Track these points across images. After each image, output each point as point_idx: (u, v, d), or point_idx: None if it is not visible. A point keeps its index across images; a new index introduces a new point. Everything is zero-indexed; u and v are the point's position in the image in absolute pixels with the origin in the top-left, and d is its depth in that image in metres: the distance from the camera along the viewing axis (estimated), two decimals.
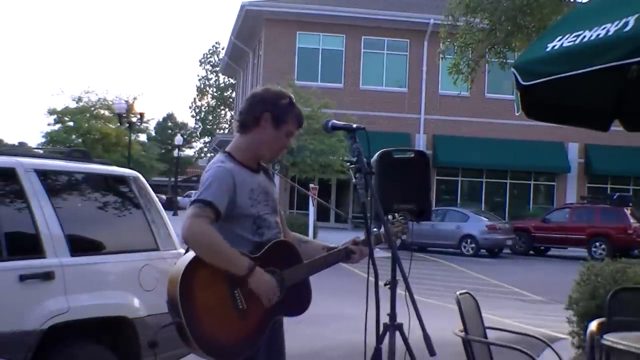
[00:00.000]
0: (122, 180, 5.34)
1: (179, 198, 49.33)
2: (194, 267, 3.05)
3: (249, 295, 3.09)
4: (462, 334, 4.41)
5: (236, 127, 3.39)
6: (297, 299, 3.27)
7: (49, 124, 39.10)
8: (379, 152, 4.31)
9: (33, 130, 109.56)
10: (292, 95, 3.39)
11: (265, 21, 31.47)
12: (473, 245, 23.38)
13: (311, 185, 23.42)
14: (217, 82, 67.44)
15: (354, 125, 3.46)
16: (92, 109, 39.58)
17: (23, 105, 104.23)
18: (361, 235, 3.53)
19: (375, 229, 3.48)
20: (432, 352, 3.09)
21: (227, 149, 3.37)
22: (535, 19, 12.79)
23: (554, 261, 22.66)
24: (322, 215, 29.81)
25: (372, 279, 3.42)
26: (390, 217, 3.66)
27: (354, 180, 3.40)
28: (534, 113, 4.43)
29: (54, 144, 35.96)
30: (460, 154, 30.91)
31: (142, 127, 42.85)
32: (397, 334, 3.75)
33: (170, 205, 42.64)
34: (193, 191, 44.74)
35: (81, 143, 36.09)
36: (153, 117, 70.82)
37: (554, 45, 3.66)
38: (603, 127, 4.92)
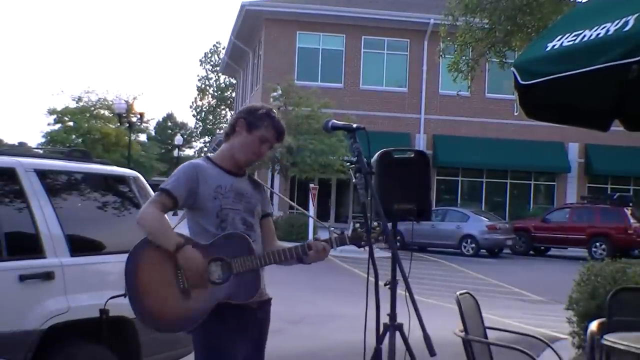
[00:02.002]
0: (121, 180, 5.34)
1: None
2: (145, 245, 3.37)
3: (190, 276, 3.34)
4: (462, 334, 4.40)
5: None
6: (243, 287, 3.36)
7: (49, 124, 39.12)
8: (379, 152, 4.31)
9: (33, 130, 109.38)
10: (272, 109, 3.58)
11: (265, 21, 31.47)
12: (473, 245, 23.38)
13: (311, 185, 23.43)
14: (218, 82, 67.48)
15: (354, 125, 3.48)
16: (92, 109, 39.57)
17: (23, 105, 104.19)
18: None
19: (339, 230, 3.51)
20: (432, 352, 3.09)
21: (210, 154, 3.69)
22: (535, 19, 12.78)
23: (554, 261, 22.67)
24: (322, 215, 29.80)
25: (372, 279, 3.42)
26: (357, 225, 3.57)
27: (354, 180, 3.41)
28: (534, 113, 4.42)
29: (54, 144, 35.95)
30: (460, 154, 30.89)
31: (142, 127, 42.83)
32: (397, 334, 3.75)
33: None
34: None
35: (81, 143, 36.09)
36: (153, 117, 70.85)
37: (554, 45, 3.66)
38: (603, 127, 4.91)
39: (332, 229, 3.54)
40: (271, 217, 3.69)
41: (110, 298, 3.66)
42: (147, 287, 3.35)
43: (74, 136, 38.06)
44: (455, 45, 14.40)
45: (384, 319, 3.61)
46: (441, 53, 16.18)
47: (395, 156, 4.44)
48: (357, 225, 3.50)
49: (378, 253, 3.44)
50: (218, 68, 60.96)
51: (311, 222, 22.38)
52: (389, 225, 3.75)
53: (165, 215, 3.43)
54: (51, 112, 38.11)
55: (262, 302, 3.49)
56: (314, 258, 3.43)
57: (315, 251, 3.41)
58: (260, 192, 3.63)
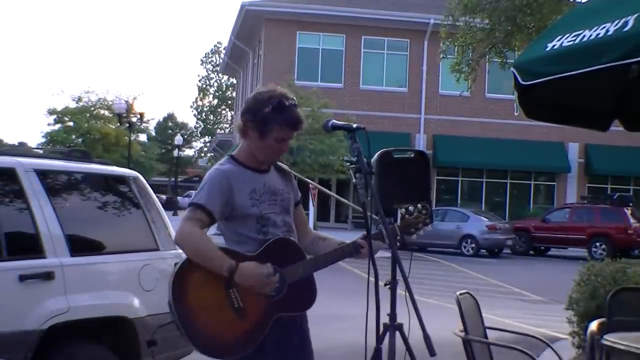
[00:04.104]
0: (122, 180, 5.34)
1: (178, 198, 49.35)
2: (189, 267, 3.13)
3: (244, 294, 3.13)
4: (462, 334, 4.40)
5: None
6: (300, 296, 3.26)
7: (49, 124, 39.27)
8: (379, 152, 4.30)
9: (33, 130, 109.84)
10: (283, 97, 3.27)
11: (265, 21, 31.47)
12: (473, 245, 23.37)
13: (311, 185, 23.42)
14: (219, 82, 67.46)
15: (354, 125, 3.46)
16: (92, 109, 39.68)
17: (23, 105, 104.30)
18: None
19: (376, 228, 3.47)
20: (432, 352, 3.08)
21: (234, 151, 3.45)
22: (535, 19, 12.81)
23: (554, 261, 22.65)
24: (323, 215, 29.80)
25: (372, 279, 3.41)
26: (411, 208, 3.60)
27: (354, 180, 3.40)
28: (534, 113, 4.42)
29: (54, 144, 36.01)
30: (460, 154, 30.90)
31: (142, 127, 42.92)
32: (397, 334, 3.74)
33: (170, 205, 42.65)
34: (193, 191, 44.73)
35: (81, 143, 36.14)
36: (153, 117, 70.84)
37: (554, 45, 3.66)
38: (603, 127, 4.91)
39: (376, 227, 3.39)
40: (301, 205, 3.59)
41: (160, 327, 3.46)
42: (200, 313, 3.10)
43: (74, 136, 38.16)
44: (456, 47, 14.43)
45: (384, 319, 3.60)
46: (442, 55, 16.22)
47: (395, 156, 4.43)
48: (404, 210, 3.45)
49: (378, 253, 3.44)
50: (218, 68, 60.97)
51: (311, 221, 22.36)
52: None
53: (208, 234, 3.19)
54: (51, 112, 38.21)
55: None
56: (364, 255, 3.37)
57: (368, 248, 3.35)
58: (289, 181, 3.52)
